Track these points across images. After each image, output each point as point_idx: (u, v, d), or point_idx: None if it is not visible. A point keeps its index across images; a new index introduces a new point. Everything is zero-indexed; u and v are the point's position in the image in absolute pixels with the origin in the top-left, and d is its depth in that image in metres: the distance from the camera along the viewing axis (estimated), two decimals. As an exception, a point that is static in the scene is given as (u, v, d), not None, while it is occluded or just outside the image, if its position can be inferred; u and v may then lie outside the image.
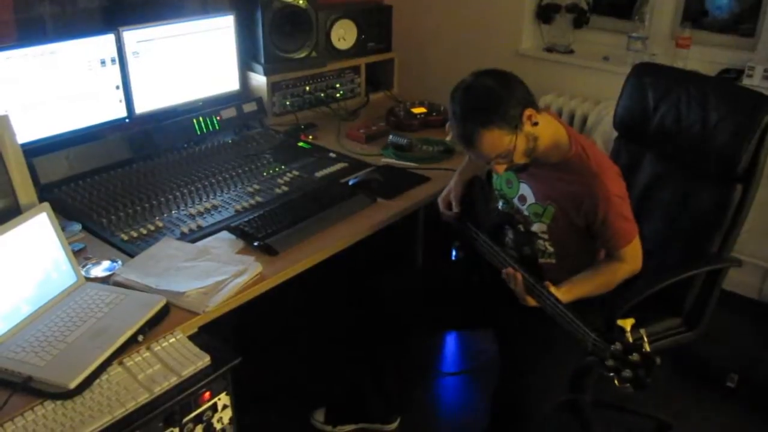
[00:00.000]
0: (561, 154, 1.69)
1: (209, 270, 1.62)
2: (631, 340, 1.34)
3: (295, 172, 2.22)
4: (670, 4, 2.87)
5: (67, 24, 2.29)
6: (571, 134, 1.71)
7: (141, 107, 2.33)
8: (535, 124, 1.62)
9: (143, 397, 1.28)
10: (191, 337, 1.45)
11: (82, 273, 1.59)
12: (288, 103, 2.74)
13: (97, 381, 1.29)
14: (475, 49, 3.21)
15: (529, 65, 3.09)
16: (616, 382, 1.36)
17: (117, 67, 2.24)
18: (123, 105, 2.29)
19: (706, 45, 2.80)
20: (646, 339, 1.32)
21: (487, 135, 1.56)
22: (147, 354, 1.37)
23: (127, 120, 2.31)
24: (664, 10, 2.88)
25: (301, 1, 2.62)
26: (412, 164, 2.33)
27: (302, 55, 2.71)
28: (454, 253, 2.07)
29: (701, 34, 2.82)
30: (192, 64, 2.45)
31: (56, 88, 2.09)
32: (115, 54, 2.23)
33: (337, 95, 2.90)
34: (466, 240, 1.93)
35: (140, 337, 1.40)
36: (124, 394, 1.28)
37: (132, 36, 2.25)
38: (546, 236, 1.76)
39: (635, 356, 1.32)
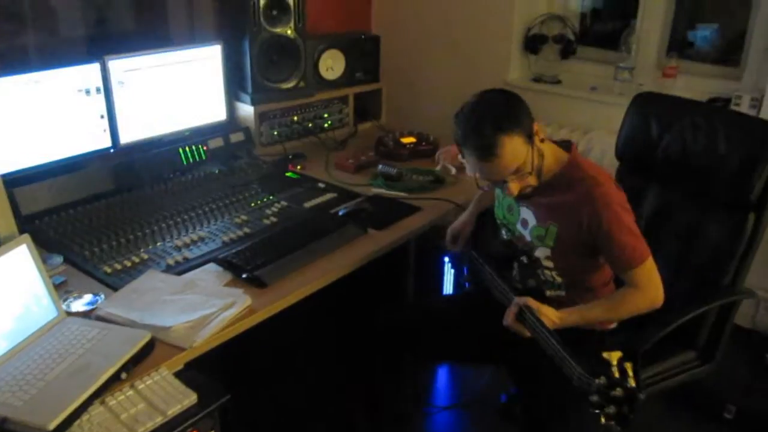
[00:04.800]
0: (559, 166, 1.66)
1: (196, 303, 1.56)
2: (617, 374, 1.29)
3: (284, 203, 2.18)
4: (656, 35, 2.90)
5: (52, 53, 2.26)
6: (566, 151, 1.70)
7: (126, 137, 2.29)
8: (542, 140, 1.61)
9: (126, 439, 1.22)
10: (177, 374, 1.39)
11: (63, 307, 1.53)
12: (276, 133, 2.71)
13: (78, 422, 1.23)
14: (462, 80, 3.21)
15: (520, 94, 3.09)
16: (602, 419, 1.31)
17: (102, 96, 2.20)
18: (107, 135, 2.25)
19: (692, 74, 2.82)
20: (631, 373, 1.26)
21: (508, 142, 1.51)
22: (131, 392, 1.31)
23: (111, 150, 2.26)
24: (651, 41, 2.91)
25: (289, 31, 2.61)
26: (403, 194, 2.30)
27: (290, 85, 2.70)
28: (466, 284, 2.03)
29: (687, 64, 2.84)
30: (178, 93, 2.42)
31: (39, 118, 2.04)
32: (100, 83, 2.19)
33: (325, 125, 2.88)
34: (475, 272, 1.89)
35: (123, 375, 1.34)
36: (106, 435, 1.21)
37: (118, 65, 2.22)
38: (551, 264, 1.71)
39: (618, 391, 1.26)
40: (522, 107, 1.57)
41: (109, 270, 1.74)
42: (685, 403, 2.38)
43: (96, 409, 1.27)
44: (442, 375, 2.67)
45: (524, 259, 1.72)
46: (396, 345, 1.91)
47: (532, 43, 3.11)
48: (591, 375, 1.29)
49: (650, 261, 1.61)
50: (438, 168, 2.52)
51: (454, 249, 1.99)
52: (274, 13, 2.56)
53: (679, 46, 2.91)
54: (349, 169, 2.51)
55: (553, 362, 1.49)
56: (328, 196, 2.26)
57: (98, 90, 2.19)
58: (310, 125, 2.82)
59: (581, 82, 3.05)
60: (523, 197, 1.65)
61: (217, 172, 2.40)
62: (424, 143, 2.72)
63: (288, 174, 2.46)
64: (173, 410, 1.28)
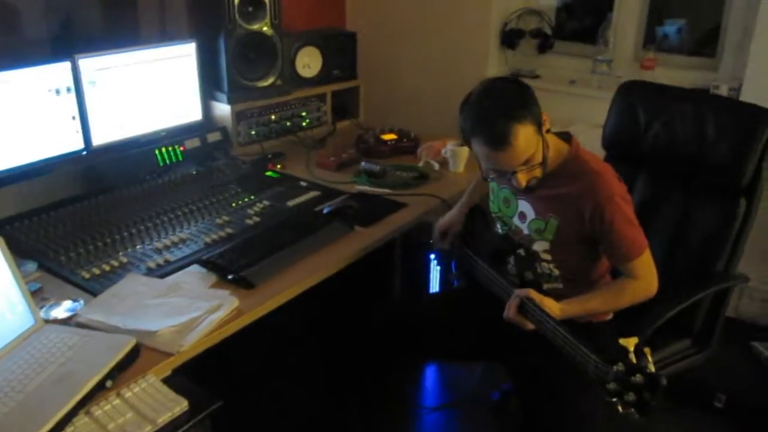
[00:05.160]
0: (560, 158, 1.63)
1: (181, 306, 1.50)
2: (634, 360, 1.27)
3: (266, 202, 2.12)
4: (632, 28, 2.91)
5: (14, 54, 2.16)
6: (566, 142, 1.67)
7: (99, 139, 2.21)
8: (548, 130, 1.58)
9: (114, 450, 1.15)
10: (165, 380, 1.32)
11: (41, 315, 1.44)
12: (253, 132, 2.65)
13: (62, 434, 1.16)
14: (440, 76, 3.19)
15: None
16: (619, 407, 1.28)
17: (73, 96, 2.12)
18: (80, 136, 2.16)
19: (670, 66, 2.83)
20: (650, 359, 1.24)
21: (522, 130, 1.48)
22: (117, 401, 1.24)
23: (84, 152, 2.18)
24: (627, 34, 2.92)
25: (265, 28, 2.55)
26: (387, 191, 2.26)
27: (267, 83, 2.64)
28: (455, 282, 1.98)
29: (664, 56, 2.86)
30: (152, 93, 2.34)
31: (8, 120, 1.95)
32: (71, 83, 2.10)
33: (304, 124, 2.83)
34: (466, 269, 1.85)
35: (109, 383, 1.26)
36: (93, 447, 1.14)
37: (88, 64, 2.14)
38: (549, 257, 1.68)
39: (639, 377, 1.23)
40: (532, 96, 1.53)
41: (87, 275, 1.66)
42: (674, 393, 2.37)
43: (81, 420, 1.19)
44: (432, 374, 2.63)
45: (521, 252, 1.69)
46: (390, 342, 1.86)
47: (509, 38, 3.10)
48: (608, 362, 1.26)
49: (648, 251, 1.60)
50: (421, 164, 2.49)
51: (443, 246, 1.95)
52: (250, 9, 2.50)
53: (654, 38, 2.93)
54: (331, 167, 2.45)
55: (552, 354, 1.46)
56: (311, 194, 2.21)
57: (69, 90, 2.11)
58: (288, 124, 2.76)
59: (559, 77, 3.04)
60: (527, 190, 1.61)
61: (194, 173, 2.33)
62: (405, 140, 2.68)
63: (268, 173, 2.40)
64: (163, 418, 1.22)
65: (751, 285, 2.60)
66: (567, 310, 1.53)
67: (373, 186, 2.29)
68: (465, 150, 2.44)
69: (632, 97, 1.96)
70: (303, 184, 2.30)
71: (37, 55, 2.19)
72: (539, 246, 1.68)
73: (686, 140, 1.84)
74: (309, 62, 2.83)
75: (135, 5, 2.56)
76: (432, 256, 2.50)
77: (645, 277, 1.59)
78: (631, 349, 1.24)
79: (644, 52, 2.86)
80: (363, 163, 2.41)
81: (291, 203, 2.13)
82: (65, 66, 2.09)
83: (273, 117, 2.70)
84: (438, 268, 2.48)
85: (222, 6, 2.42)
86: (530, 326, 1.52)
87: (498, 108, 1.49)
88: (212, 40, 2.50)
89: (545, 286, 1.70)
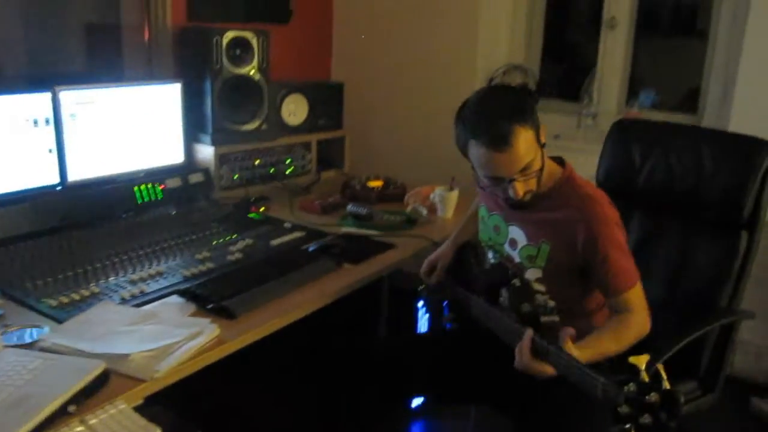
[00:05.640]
0: (553, 180, 1.58)
1: (157, 333, 1.38)
2: (647, 379, 1.16)
3: (249, 241, 2.03)
4: (616, 83, 2.95)
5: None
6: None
7: (75, 174, 2.12)
8: (543, 145, 1.52)
9: (74, 481, 1.01)
10: (137, 409, 1.18)
11: (1, 340, 1.31)
12: (236, 176, 2.58)
13: (15, 462, 1.02)
14: (427, 128, 3.18)
15: (481, 145, 3.07)
16: None
17: (51, 128, 2.04)
18: (56, 170, 2.07)
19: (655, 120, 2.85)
20: (664, 375, 1.14)
21: (522, 133, 1.43)
22: (80, 428, 1.10)
23: (59, 187, 2.08)
24: (611, 89, 2.96)
25: (252, 71, 2.52)
26: (375, 232, 2.18)
27: (252, 127, 2.59)
28: (447, 325, 1.87)
29: (647, 112, 2.89)
30: (134, 132, 2.28)
31: (-21, 146, 1.87)
32: (50, 114, 2.03)
33: (288, 171, 2.77)
34: (459, 309, 1.76)
35: (72, 408, 1.13)
36: (50, 477, 1.00)
37: (69, 96, 2.08)
38: (543, 287, 1.59)
39: (653, 397, 1.11)
40: (532, 103, 1.50)
41: (53, 303, 1.53)
42: None
43: (38, 447, 1.05)
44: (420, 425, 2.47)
45: (516, 282, 1.60)
46: (377, 379, 1.74)
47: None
48: (618, 383, 1.15)
49: (640, 285, 1.54)
50: (408, 210, 2.42)
51: (430, 281, 1.85)
52: (237, 52, 2.49)
53: (637, 93, 2.97)
54: (316, 210, 2.38)
55: (559, 391, 1.36)
56: (296, 234, 2.12)
57: (47, 122, 2.04)
58: (272, 170, 2.70)
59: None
60: (521, 205, 1.55)
61: (173, 213, 2.23)
62: (391, 187, 2.63)
63: (251, 215, 2.31)
64: (132, 447, 1.08)
65: (746, 339, 2.53)
66: (584, 355, 1.37)
67: (360, 228, 2.21)
68: (454, 194, 2.39)
69: (626, 134, 1.94)
70: (287, 225, 2.21)
71: (16, 84, 2.13)
72: (531, 274, 1.60)
73: (683, 175, 1.81)
74: (295, 110, 2.81)
75: (120, 43, 2.55)
76: (420, 304, 2.40)
77: (640, 311, 1.50)
78: (643, 367, 1.14)
79: (628, 108, 2.89)
80: (349, 206, 2.34)
81: (275, 242, 2.04)
82: (45, 97, 2.02)
83: (257, 162, 2.64)
84: (426, 315, 2.38)
85: (209, 48, 2.40)
86: (550, 371, 1.37)
87: (499, 109, 1.45)
88: (198, 82, 2.46)
89: (542, 319, 1.61)
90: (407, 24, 3.15)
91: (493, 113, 1.44)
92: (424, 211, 2.40)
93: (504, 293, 1.65)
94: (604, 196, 1.57)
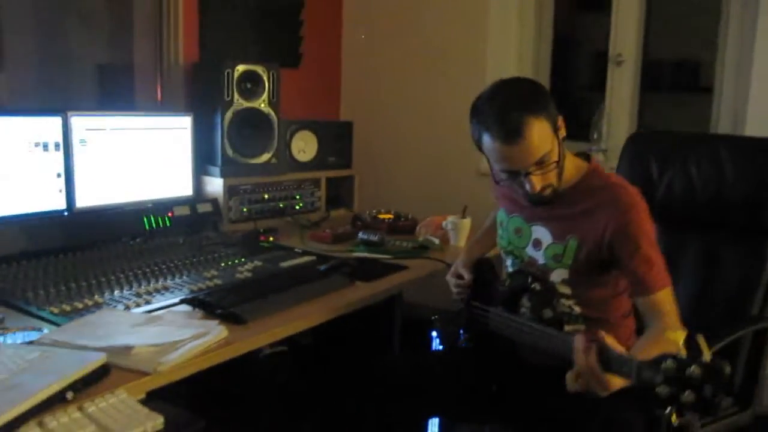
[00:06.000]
0: (579, 174, 1.53)
1: (163, 332, 1.31)
2: (684, 354, 1.06)
3: (258, 263, 1.97)
4: (624, 118, 2.95)
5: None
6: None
7: (83, 201, 2.09)
8: (564, 137, 1.48)
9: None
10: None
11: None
12: (245, 209, 2.55)
13: (5, 444, 0.94)
14: (436, 169, 3.17)
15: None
16: (674, 418, 1.06)
17: (60, 153, 2.03)
18: (63, 196, 2.05)
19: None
20: (705, 346, 1.04)
21: (536, 124, 1.38)
22: (77, 414, 1.02)
23: (65, 213, 2.05)
24: (620, 124, 2.95)
25: (262, 105, 2.54)
26: (387, 256, 2.13)
27: (261, 160, 2.58)
28: (462, 341, 1.79)
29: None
30: (143, 161, 2.26)
31: (-13, 167, 1.85)
32: (60, 138, 2.03)
33: (297, 206, 2.74)
34: (476, 325, 1.68)
35: (70, 395, 1.05)
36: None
37: (80, 122, 2.07)
38: (568, 290, 1.52)
39: (695, 370, 1.00)
40: (547, 94, 1.47)
41: (56, 310, 1.47)
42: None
43: (31, 430, 0.97)
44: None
45: (537, 286, 1.53)
46: (390, 395, 1.64)
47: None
48: (654, 362, 1.05)
49: (672, 287, 1.44)
50: (421, 239, 2.37)
51: (465, 283, 1.75)
52: (248, 86, 2.51)
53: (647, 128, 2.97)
54: (326, 239, 2.33)
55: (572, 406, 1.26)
56: (307, 258, 2.06)
57: (57, 146, 2.03)
58: (281, 205, 2.67)
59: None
60: (541, 200, 1.50)
61: (181, 241, 2.19)
62: (402, 219, 2.59)
63: (261, 243, 2.27)
64: (132, 434, 1.00)
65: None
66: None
67: (372, 253, 2.16)
68: (467, 222, 2.35)
69: (642, 147, 1.91)
70: (297, 251, 2.16)
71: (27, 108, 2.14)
72: (557, 275, 1.53)
73: (704, 184, 1.76)
74: (304, 147, 2.81)
75: (132, 80, 2.58)
76: (434, 334, 2.30)
77: (672, 313, 1.40)
78: (680, 342, 1.05)
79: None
80: (361, 234, 2.30)
81: (285, 264, 1.98)
82: (56, 121, 2.02)
83: (266, 196, 2.62)
84: (441, 348, 2.28)
85: (221, 80, 2.42)
86: (617, 384, 1.19)
87: (511, 100, 1.41)
88: (209, 114, 2.47)
89: (566, 328, 1.53)
90: (415, 65, 3.20)
91: (505, 104, 1.41)
92: (436, 241, 2.34)
93: (525, 301, 1.58)
94: (633, 186, 1.51)
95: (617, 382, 1.17)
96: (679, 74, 3.57)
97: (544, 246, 1.56)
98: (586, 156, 1.58)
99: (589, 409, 1.37)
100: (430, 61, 3.16)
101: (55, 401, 1.03)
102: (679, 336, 1.08)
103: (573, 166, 1.52)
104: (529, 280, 1.55)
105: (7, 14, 3.10)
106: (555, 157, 1.44)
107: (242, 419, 2.24)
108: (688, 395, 1.00)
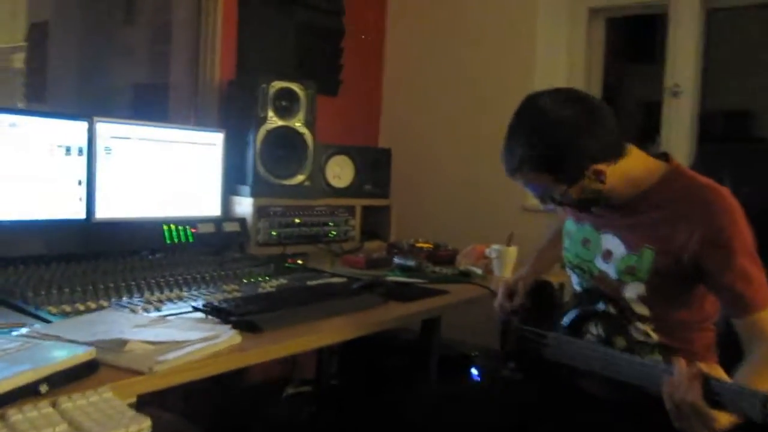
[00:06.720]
0: (655, 176, 1.31)
1: (166, 333, 1.14)
2: None
3: (283, 280, 1.80)
4: (685, 147, 2.75)
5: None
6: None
7: (103, 212, 1.97)
8: (602, 181, 1.27)
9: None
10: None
11: (-19, 330, 1.09)
12: (274, 233, 2.39)
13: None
14: (478, 202, 3.00)
15: (536, 219, 2.85)
16: None
17: (84, 159, 1.93)
18: (83, 205, 1.93)
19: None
20: None
21: (532, 177, 1.28)
22: (48, 410, 0.85)
23: (84, 222, 1.93)
24: (680, 154, 2.75)
25: (298, 124, 2.42)
26: (425, 281, 1.94)
27: (294, 181, 2.44)
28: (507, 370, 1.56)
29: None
30: (170, 176, 2.14)
31: (8, 167, 1.74)
32: (84, 144, 1.92)
33: (330, 234, 2.57)
34: (527, 353, 1.47)
35: (44, 388, 0.88)
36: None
37: (106, 129, 1.97)
38: (646, 311, 1.29)
39: None
40: (581, 148, 1.23)
41: (54, 310, 1.31)
42: None
43: (-11, 423, 0.80)
44: None
45: (610, 308, 1.31)
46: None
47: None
48: None
49: None
50: (462, 268, 2.18)
51: (508, 307, 1.55)
52: (284, 104, 2.39)
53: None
54: (359, 264, 2.16)
55: None
56: (336, 279, 1.89)
57: (81, 151, 1.92)
58: (313, 231, 2.51)
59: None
60: (585, 205, 1.31)
61: (203, 258, 2.03)
62: (442, 249, 2.41)
63: (287, 265, 2.10)
64: (112, 437, 0.82)
65: None
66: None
67: (409, 278, 1.97)
68: (513, 250, 2.15)
69: (713, 162, 1.70)
70: (327, 273, 1.99)
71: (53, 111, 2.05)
72: (632, 290, 1.31)
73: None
74: (340, 172, 2.67)
75: (166, 97, 2.50)
76: (474, 372, 2.08)
77: None
78: None
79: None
80: (396, 259, 2.12)
81: (312, 282, 1.81)
82: (81, 126, 1.92)
83: (297, 220, 2.46)
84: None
85: (256, 97, 2.32)
86: (725, 422, 1.00)
87: (519, 142, 1.29)
88: (242, 132, 2.36)
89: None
90: (456, 96, 3.08)
91: (513, 139, 1.31)
92: (479, 271, 2.14)
93: (591, 327, 1.36)
94: (725, 188, 1.29)
95: (725, 420, 0.98)
96: (729, 126, 3.39)
97: (615, 258, 1.35)
98: (665, 156, 1.38)
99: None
100: (472, 91, 3.03)
101: (25, 393, 0.86)
102: None
103: (645, 170, 1.32)
104: (603, 303, 1.34)
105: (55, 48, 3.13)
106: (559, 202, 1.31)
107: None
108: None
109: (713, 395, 0.97)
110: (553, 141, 1.25)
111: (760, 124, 3.55)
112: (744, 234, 1.23)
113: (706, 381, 0.99)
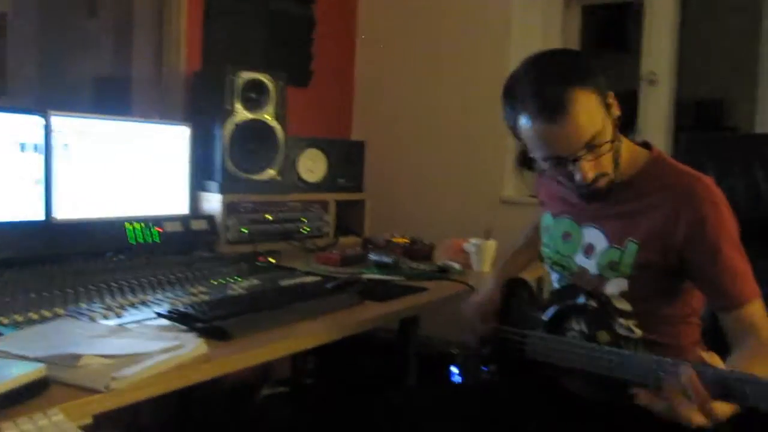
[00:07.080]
0: (638, 164, 1.28)
1: (125, 345, 1.06)
2: None
3: (255, 281, 1.72)
4: (660, 138, 2.72)
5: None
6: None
7: (62, 212, 1.86)
8: (618, 116, 1.23)
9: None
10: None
11: None
12: (245, 230, 2.29)
13: None
14: (455, 195, 2.94)
15: (515, 211, 2.80)
16: None
17: (41, 157, 1.82)
18: (41, 205, 1.82)
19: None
20: None
21: (583, 97, 1.15)
22: (-10, 438, 0.77)
23: (43, 224, 1.82)
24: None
25: (267, 117, 2.33)
26: (403, 278, 1.87)
27: (264, 177, 2.35)
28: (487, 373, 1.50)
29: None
30: (133, 172, 2.04)
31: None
32: (41, 140, 1.81)
33: (303, 230, 2.49)
34: (507, 354, 1.41)
35: (-15, 412, 0.80)
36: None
37: (63, 123, 1.86)
38: (628, 307, 1.24)
39: None
40: (593, 63, 1.22)
41: (5, 320, 1.22)
42: None
43: None
44: None
45: (593, 303, 1.26)
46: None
47: (527, 160, 2.89)
48: None
49: (761, 300, 1.18)
50: (439, 263, 2.12)
51: (491, 329, 1.48)
52: (253, 96, 2.30)
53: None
54: (334, 261, 2.09)
55: None
56: (310, 278, 1.81)
57: (36, 148, 1.81)
58: (285, 227, 2.43)
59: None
60: (596, 195, 1.25)
61: (170, 259, 1.94)
62: (419, 244, 2.34)
63: (259, 264, 2.02)
64: (61, 466, 0.74)
65: None
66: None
67: (386, 275, 1.91)
68: (491, 244, 2.10)
69: (695, 153, 1.66)
70: (300, 271, 1.91)
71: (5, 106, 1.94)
72: (614, 287, 1.26)
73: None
74: (312, 166, 2.59)
75: (129, 91, 2.39)
76: (454, 370, 2.03)
77: (766, 328, 1.15)
78: None
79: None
80: (372, 255, 2.05)
81: (284, 283, 1.73)
82: (37, 121, 1.81)
83: (269, 216, 2.37)
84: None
85: (223, 89, 2.22)
86: (728, 411, 0.95)
87: (550, 72, 1.19)
88: (208, 125, 2.26)
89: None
90: (431, 86, 3.01)
91: (542, 77, 1.19)
92: (457, 266, 2.09)
93: (574, 324, 1.30)
94: (708, 177, 1.25)
95: (725, 410, 0.93)
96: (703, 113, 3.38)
97: (597, 252, 1.30)
98: (646, 144, 1.34)
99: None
100: (447, 81, 2.97)
101: (-37, 420, 0.78)
102: None
103: (630, 155, 1.28)
104: (583, 297, 1.28)
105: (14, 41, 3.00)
106: (608, 137, 1.20)
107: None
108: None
109: (714, 383, 0.93)
110: (576, 60, 1.25)
111: (731, 113, 3.54)
112: (729, 225, 1.19)
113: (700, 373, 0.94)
